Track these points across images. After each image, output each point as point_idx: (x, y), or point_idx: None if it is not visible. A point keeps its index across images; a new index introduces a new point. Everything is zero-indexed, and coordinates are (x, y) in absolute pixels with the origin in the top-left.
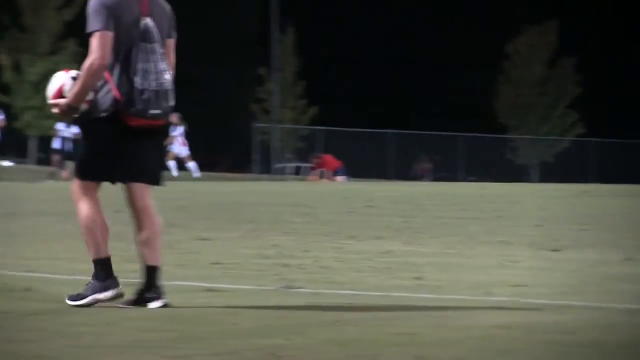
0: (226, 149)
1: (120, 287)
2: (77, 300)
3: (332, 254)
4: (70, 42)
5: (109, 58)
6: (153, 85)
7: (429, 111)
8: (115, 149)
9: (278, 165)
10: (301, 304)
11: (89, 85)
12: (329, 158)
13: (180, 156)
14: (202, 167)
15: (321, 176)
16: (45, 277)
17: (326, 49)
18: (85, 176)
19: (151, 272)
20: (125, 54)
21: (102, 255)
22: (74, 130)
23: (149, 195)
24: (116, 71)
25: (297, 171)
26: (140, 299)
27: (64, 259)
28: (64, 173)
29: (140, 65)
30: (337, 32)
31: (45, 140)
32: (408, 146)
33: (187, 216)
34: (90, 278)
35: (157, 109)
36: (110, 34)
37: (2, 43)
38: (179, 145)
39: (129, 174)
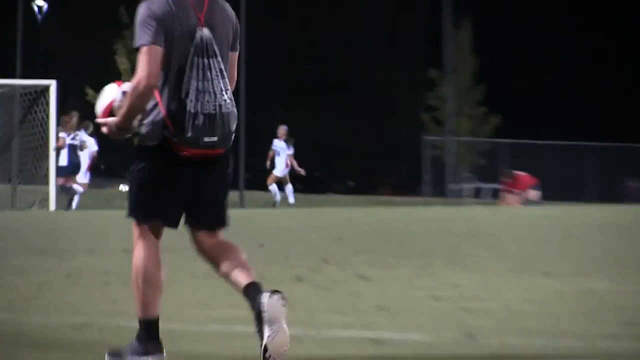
0: (390, 167)
1: (164, 354)
2: (115, 358)
3: (524, 295)
4: None
5: (157, 77)
6: (208, 108)
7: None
8: (167, 185)
9: (453, 186)
10: (487, 358)
11: (136, 107)
12: (523, 177)
13: (282, 175)
14: (361, 189)
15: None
16: (173, 329)
17: (509, 45)
18: (138, 218)
19: (254, 289)
20: (178, 71)
21: (149, 315)
22: (82, 137)
23: (218, 235)
24: (166, 92)
25: (477, 193)
26: (260, 321)
27: (195, 305)
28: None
29: (193, 85)
30: (520, 25)
31: None
32: (611, 161)
33: (344, 250)
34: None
35: (212, 136)
36: (159, 50)
37: (120, 42)
38: (283, 167)
39: (189, 217)
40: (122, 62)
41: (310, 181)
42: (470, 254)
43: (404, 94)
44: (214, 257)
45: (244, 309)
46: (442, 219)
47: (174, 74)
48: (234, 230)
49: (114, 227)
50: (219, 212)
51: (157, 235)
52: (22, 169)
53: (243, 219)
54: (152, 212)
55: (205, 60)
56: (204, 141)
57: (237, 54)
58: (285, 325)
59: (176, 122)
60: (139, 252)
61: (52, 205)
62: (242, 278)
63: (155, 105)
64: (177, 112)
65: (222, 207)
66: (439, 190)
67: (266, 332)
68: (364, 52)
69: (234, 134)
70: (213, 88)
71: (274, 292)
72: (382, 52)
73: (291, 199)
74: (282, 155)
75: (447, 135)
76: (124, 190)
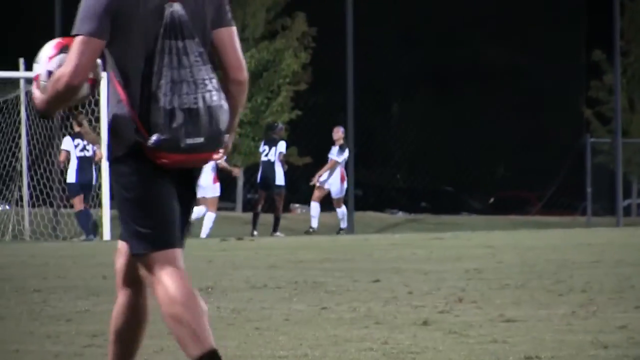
0: (542, 179)
1: None
2: None
3: None
4: (298, 19)
5: (84, 76)
6: (188, 101)
7: None
8: (163, 195)
9: (624, 202)
10: None
11: (57, 101)
12: None
13: (336, 197)
14: (504, 207)
15: None
16: None
17: None
18: (150, 247)
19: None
20: (146, 59)
21: (206, 347)
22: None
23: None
24: (132, 86)
25: None
26: None
27: (293, 358)
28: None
29: (167, 74)
30: None
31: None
32: None
33: (483, 286)
34: None
35: (196, 137)
36: (98, 43)
37: None
38: (337, 180)
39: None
40: None
41: (439, 198)
42: None
43: (559, 84)
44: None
45: None
46: (609, 244)
47: (140, 63)
48: (343, 262)
49: (187, 260)
50: (186, 229)
51: (177, 259)
52: (64, 187)
53: (352, 246)
54: (162, 234)
55: (180, 43)
56: (187, 144)
57: (231, 29)
58: None
59: (148, 123)
60: (165, 282)
61: (106, 234)
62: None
63: (120, 102)
64: (148, 110)
65: (185, 223)
66: (607, 208)
67: None
68: (504, 31)
69: (227, 135)
70: (193, 77)
71: None
72: (529, 30)
73: (344, 223)
74: (338, 166)
75: (616, 137)
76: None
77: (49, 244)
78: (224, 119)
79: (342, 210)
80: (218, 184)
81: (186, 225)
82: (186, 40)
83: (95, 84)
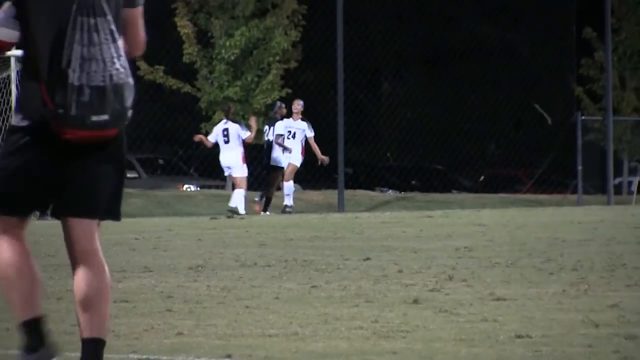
0: (532, 157)
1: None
2: None
3: None
4: None
5: None
6: (96, 79)
7: None
8: (42, 169)
9: (615, 181)
10: None
11: None
12: None
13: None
14: (495, 185)
15: None
16: None
17: None
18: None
19: (89, 349)
20: (57, 35)
21: (29, 315)
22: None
23: (96, 236)
24: (42, 61)
25: None
26: None
27: (283, 336)
28: None
29: (77, 51)
30: None
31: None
32: None
33: (473, 264)
34: None
35: (102, 114)
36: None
37: (181, 0)
38: (299, 155)
39: (65, 204)
40: (183, 26)
41: (430, 176)
42: (636, 266)
43: (550, 62)
44: (79, 269)
45: (345, 340)
46: (600, 222)
47: (51, 38)
48: (334, 240)
49: (176, 238)
50: (105, 202)
51: (22, 227)
52: None
53: (343, 225)
54: (17, 200)
55: (92, 20)
56: (92, 120)
57: (138, 10)
58: None
59: (56, 98)
60: (1, 246)
61: None
62: (86, 325)
63: (29, 77)
64: (57, 86)
65: (111, 197)
66: (597, 186)
67: None
68: (495, 9)
69: (130, 111)
70: (102, 55)
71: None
72: (520, 8)
73: (289, 201)
74: (297, 138)
75: (607, 115)
76: (189, 190)
77: (39, 222)
78: (129, 96)
79: (289, 185)
80: (245, 165)
81: (86, 197)
82: (98, 18)
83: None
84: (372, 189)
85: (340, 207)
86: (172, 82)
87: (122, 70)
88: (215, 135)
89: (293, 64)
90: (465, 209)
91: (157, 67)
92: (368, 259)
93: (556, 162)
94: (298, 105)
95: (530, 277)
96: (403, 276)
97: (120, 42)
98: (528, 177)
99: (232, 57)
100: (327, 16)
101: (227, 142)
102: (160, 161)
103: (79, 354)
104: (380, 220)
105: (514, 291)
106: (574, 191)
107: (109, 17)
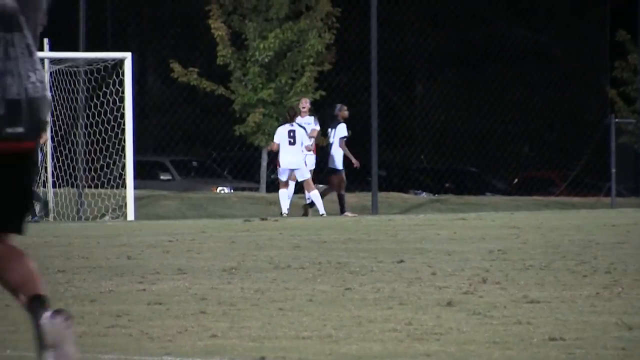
0: (566, 159)
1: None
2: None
3: None
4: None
5: None
6: (11, 93)
7: None
8: None
9: None
10: None
11: None
12: None
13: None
14: (529, 188)
15: None
16: None
17: None
18: None
19: (36, 305)
20: None
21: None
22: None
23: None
24: None
25: None
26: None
27: (317, 339)
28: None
29: None
30: None
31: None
32: None
33: (507, 266)
34: None
35: (17, 127)
36: None
37: (215, 2)
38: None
39: None
40: (217, 28)
41: (463, 178)
42: None
43: (584, 64)
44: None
45: (378, 343)
46: (634, 224)
47: None
48: (367, 242)
49: (210, 240)
50: (8, 215)
51: None
52: (89, 167)
53: (376, 227)
54: None
55: (8, 35)
56: (7, 132)
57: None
58: (69, 350)
59: None
60: None
61: (130, 215)
62: (26, 290)
63: None
64: None
65: (15, 209)
66: (631, 188)
67: (48, 358)
68: (530, 9)
69: (47, 124)
70: (18, 69)
71: (57, 312)
72: (555, 8)
73: (286, 208)
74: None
75: None
76: (223, 192)
77: (73, 224)
78: (45, 109)
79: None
80: (307, 168)
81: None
82: (15, 33)
83: None
84: (406, 192)
85: (374, 210)
86: (206, 84)
87: (38, 84)
88: (279, 137)
89: (327, 67)
90: (499, 212)
91: (191, 69)
92: (402, 261)
93: (590, 164)
94: (306, 103)
95: (563, 279)
96: (437, 279)
97: (36, 57)
98: (561, 180)
99: (266, 60)
100: (361, 18)
101: (292, 143)
102: (194, 163)
103: (111, 356)
104: (413, 223)
105: (547, 294)
106: (608, 194)
107: (26, 32)
